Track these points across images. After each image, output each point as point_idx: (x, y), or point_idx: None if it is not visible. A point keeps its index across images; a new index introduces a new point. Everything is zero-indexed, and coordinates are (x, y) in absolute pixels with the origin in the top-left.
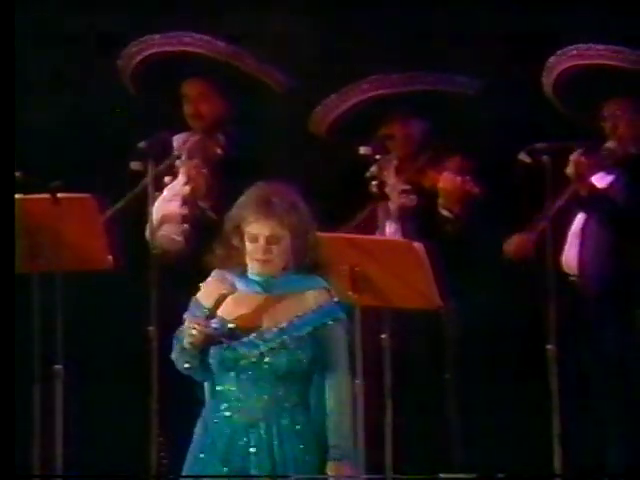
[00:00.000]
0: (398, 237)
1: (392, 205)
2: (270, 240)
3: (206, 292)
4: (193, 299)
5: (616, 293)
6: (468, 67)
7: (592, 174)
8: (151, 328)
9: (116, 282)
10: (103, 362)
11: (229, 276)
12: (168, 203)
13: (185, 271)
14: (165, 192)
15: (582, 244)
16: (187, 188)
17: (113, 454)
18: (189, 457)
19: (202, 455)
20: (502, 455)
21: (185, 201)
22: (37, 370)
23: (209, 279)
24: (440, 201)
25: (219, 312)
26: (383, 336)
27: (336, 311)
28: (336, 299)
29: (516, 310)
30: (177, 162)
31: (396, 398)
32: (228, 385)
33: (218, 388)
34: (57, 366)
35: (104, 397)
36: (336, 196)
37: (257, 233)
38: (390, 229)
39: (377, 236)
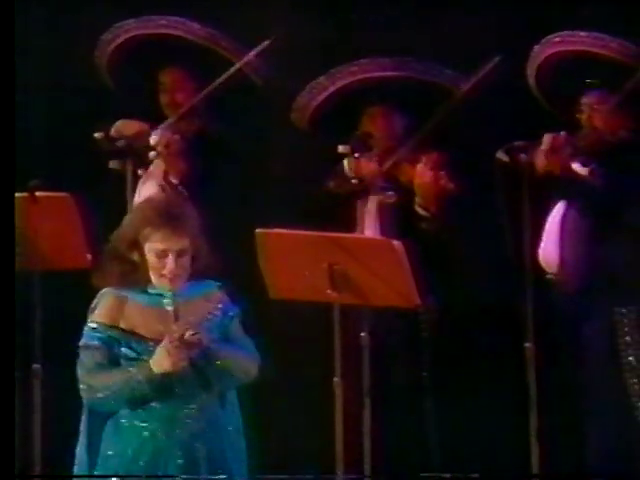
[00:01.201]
0: (377, 235)
1: (371, 202)
2: (180, 254)
3: (112, 313)
4: (93, 325)
5: (597, 291)
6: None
7: (566, 153)
8: None
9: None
10: None
11: (127, 293)
12: (146, 193)
13: None
14: (142, 186)
15: (562, 240)
16: (164, 177)
17: None
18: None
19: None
20: (480, 454)
21: (164, 189)
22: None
23: (107, 300)
24: (416, 199)
25: (127, 327)
26: (362, 334)
27: (234, 307)
28: (227, 297)
29: (495, 308)
30: (151, 154)
31: (374, 396)
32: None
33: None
34: (35, 365)
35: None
36: (315, 192)
37: (166, 248)
38: (369, 227)
39: (356, 234)
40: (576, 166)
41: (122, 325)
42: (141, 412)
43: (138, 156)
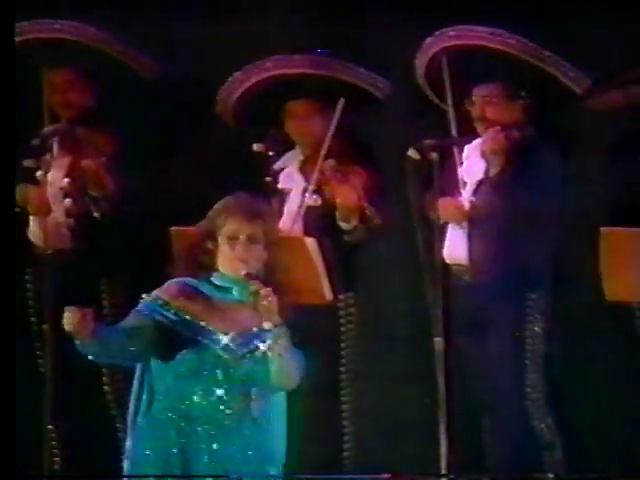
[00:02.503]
0: (292, 232)
1: (294, 202)
2: (250, 239)
3: (172, 296)
4: (148, 298)
5: (504, 278)
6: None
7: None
8: (45, 326)
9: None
10: None
11: (194, 284)
12: (51, 199)
13: (73, 268)
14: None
15: (469, 232)
16: (67, 180)
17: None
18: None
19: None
20: (393, 452)
21: (68, 194)
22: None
23: (170, 285)
24: (338, 214)
25: (185, 312)
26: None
27: (285, 327)
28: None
29: (412, 302)
30: (47, 156)
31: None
32: (193, 392)
33: (177, 394)
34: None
35: None
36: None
37: (237, 230)
38: (290, 225)
39: None
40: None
41: (180, 307)
42: (180, 406)
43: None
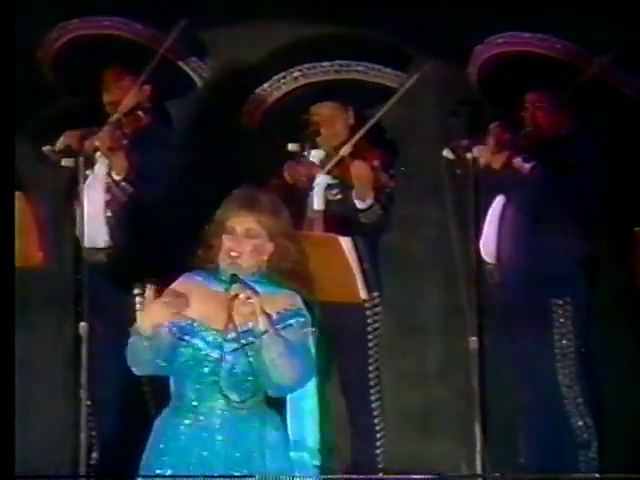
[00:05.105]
0: (324, 231)
1: (318, 200)
2: (247, 233)
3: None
4: None
5: (532, 282)
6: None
7: (509, 149)
8: (82, 324)
9: (47, 278)
10: (34, 358)
11: (202, 279)
12: (92, 193)
13: (114, 266)
14: (88, 186)
15: (500, 232)
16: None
17: (44, 449)
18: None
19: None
20: (425, 451)
21: (108, 187)
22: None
23: (177, 283)
24: (354, 192)
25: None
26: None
27: (298, 316)
28: (301, 305)
29: (442, 301)
30: (97, 154)
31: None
32: (186, 389)
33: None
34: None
35: (34, 391)
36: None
37: (235, 225)
38: (317, 224)
39: (303, 231)
40: (517, 162)
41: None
42: (181, 408)
43: (87, 157)
